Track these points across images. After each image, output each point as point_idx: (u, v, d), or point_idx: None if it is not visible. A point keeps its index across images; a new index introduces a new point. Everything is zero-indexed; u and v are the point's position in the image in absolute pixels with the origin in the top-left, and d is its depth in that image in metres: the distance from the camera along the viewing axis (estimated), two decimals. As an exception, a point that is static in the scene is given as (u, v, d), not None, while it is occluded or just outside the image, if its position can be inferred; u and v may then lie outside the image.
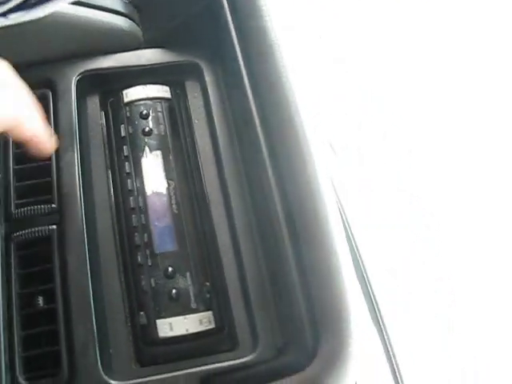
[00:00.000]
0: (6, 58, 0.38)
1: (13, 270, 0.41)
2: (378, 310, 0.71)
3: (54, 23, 0.45)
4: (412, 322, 1.80)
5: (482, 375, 1.67)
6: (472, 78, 2.27)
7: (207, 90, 0.49)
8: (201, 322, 0.41)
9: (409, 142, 2.16)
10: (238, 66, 0.45)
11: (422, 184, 2.08)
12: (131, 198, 0.44)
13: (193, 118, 0.48)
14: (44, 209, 0.43)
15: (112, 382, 0.39)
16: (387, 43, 2.38)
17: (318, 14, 2.40)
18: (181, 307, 0.41)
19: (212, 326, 0.42)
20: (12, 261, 0.41)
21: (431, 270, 1.92)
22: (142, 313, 0.41)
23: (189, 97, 0.49)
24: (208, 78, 0.49)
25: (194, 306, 0.42)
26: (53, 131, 0.46)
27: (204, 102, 0.49)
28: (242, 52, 0.45)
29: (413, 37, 2.38)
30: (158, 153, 0.46)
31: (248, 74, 0.44)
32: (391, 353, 0.69)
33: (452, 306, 1.83)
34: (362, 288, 0.73)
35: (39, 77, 0.48)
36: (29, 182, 0.44)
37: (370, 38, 2.39)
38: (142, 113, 0.47)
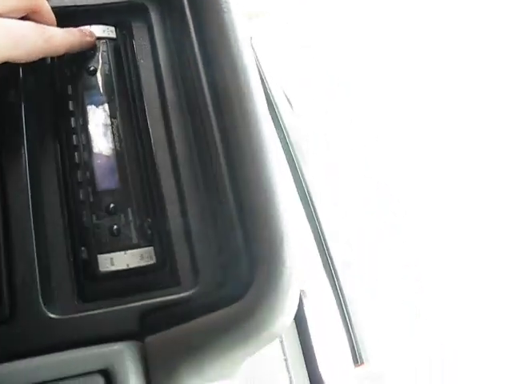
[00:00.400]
0: None
1: None
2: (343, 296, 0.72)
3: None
4: (379, 308, 1.83)
5: (448, 362, 1.71)
6: (436, 64, 2.28)
7: (153, 30, 0.48)
8: (142, 257, 0.42)
9: (376, 128, 2.18)
10: (183, 4, 0.45)
11: (388, 171, 2.09)
12: (74, 136, 0.44)
13: (138, 58, 0.48)
14: None
15: (53, 316, 0.39)
16: (354, 29, 2.37)
17: (284, 0, 2.38)
18: (122, 243, 0.42)
19: (153, 261, 0.42)
20: None
21: (398, 257, 1.95)
22: (83, 248, 0.42)
23: (135, 37, 0.49)
24: (154, 18, 0.49)
25: (135, 241, 0.42)
26: None
27: (150, 43, 0.49)
28: None
29: (380, 21, 2.38)
30: (103, 92, 0.46)
31: (191, 12, 0.44)
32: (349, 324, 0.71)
33: (419, 293, 1.87)
34: (328, 277, 0.74)
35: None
36: None
37: (337, 23, 2.38)
38: (86, 52, 0.47)
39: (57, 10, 0.46)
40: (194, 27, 0.44)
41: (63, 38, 0.44)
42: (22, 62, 0.41)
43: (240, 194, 0.38)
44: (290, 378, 0.67)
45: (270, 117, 0.41)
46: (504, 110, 2.15)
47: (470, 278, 1.88)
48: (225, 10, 0.42)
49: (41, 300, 0.39)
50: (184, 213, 0.43)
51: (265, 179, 0.38)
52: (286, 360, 0.64)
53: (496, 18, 2.33)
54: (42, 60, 0.47)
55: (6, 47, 0.38)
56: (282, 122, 0.67)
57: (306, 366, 0.70)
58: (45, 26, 0.42)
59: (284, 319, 0.37)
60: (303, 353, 0.70)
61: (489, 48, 2.28)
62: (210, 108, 0.41)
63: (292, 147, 0.65)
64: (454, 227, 1.97)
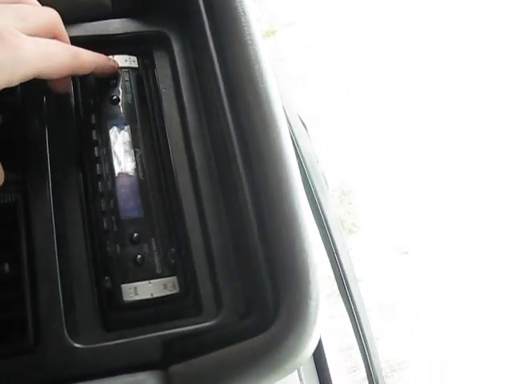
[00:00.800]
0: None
1: None
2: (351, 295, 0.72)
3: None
4: (379, 309, 1.83)
5: (448, 362, 1.71)
6: (435, 64, 2.29)
7: (175, 59, 0.49)
8: (165, 287, 0.42)
9: (375, 128, 2.18)
10: (205, 35, 0.45)
11: (388, 170, 2.10)
12: (97, 166, 0.44)
13: (160, 87, 0.49)
14: (10, 176, 0.43)
15: (77, 345, 0.39)
16: (354, 29, 2.39)
17: (285, 2, 2.40)
18: (145, 272, 0.42)
19: (176, 290, 0.42)
20: None
21: (398, 257, 1.95)
22: (107, 277, 0.42)
23: (157, 66, 0.49)
24: (176, 48, 0.49)
25: (158, 271, 0.42)
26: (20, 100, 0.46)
27: (172, 72, 0.49)
28: (209, 21, 0.45)
29: (380, 22, 2.40)
30: (126, 121, 0.46)
31: (215, 43, 0.45)
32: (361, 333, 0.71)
33: (419, 293, 1.87)
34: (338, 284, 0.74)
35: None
36: None
37: (338, 23, 2.39)
38: (109, 82, 0.47)
39: (79, 40, 0.47)
40: (217, 58, 0.44)
41: (89, 57, 0.45)
42: (51, 77, 0.42)
43: (265, 225, 0.39)
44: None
45: (292, 146, 0.41)
46: (504, 111, 2.15)
47: (470, 278, 1.87)
48: (249, 42, 0.42)
49: (65, 330, 0.39)
50: (207, 242, 0.43)
51: (291, 211, 0.38)
52: (302, 385, 0.63)
53: (496, 18, 2.34)
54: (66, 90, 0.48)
55: (36, 62, 0.39)
56: (298, 146, 0.67)
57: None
58: (71, 45, 0.44)
59: (308, 351, 0.37)
60: (318, 377, 0.70)
61: (488, 49, 2.29)
62: (234, 138, 0.42)
63: (308, 172, 0.66)
64: (454, 227, 1.96)
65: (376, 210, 1.97)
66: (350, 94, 2.22)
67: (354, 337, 0.74)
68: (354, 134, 2.16)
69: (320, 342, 0.73)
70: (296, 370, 0.65)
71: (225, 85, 0.43)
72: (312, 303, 0.36)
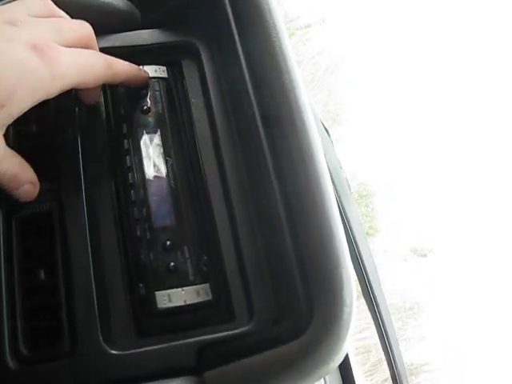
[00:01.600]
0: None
1: (14, 245, 0.42)
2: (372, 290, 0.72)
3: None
4: (396, 311, 1.82)
5: (450, 357, 1.70)
6: (439, 62, 2.28)
7: (203, 68, 0.49)
8: (198, 294, 0.42)
9: (378, 125, 2.18)
10: (234, 43, 0.46)
11: (392, 169, 2.10)
12: (130, 174, 0.45)
13: (190, 96, 0.49)
14: (45, 185, 0.44)
15: (112, 351, 0.40)
16: (357, 22, 2.38)
17: (302, 4, 2.40)
18: (179, 279, 0.43)
19: (209, 297, 0.43)
20: (14, 237, 0.42)
21: (401, 253, 1.95)
22: (141, 285, 0.42)
23: (185, 76, 0.50)
24: (204, 57, 0.50)
25: (191, 278, 0.43)
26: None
27: (200, 81, 0.50)
28: (237, 30, 0.46)
29: (381, 14, 2.39)
30: (156, 130, 0.47)
31: (243, 51, 0.45)
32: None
33: (437, 296, 1.86)
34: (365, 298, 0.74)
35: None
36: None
37: (339, 15, 2.39)
38: (139, 92, 0.48)
39: (109, 51, 0.47)
40: (246, 64, 0.45)
41: (122, 67, 0.46)
42: (86, 87, 0.43)
43: (297, 231, 0.39)
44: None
45: (322, 149, 0.42)
46: (506, 107, 2.14)
47: (472, 274, 1.87)
48: (277, 49, 0.43)
49: (100, 336, 0.40)
50: (238, 249, 0.44)
51: (323, 217, 0.38)
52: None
53: (497, 16, 2.33)
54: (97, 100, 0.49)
55: (74, 74, 0.40)
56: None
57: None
58: (105, 55, 0.45)
59: (340, 357, 0.38)
60: (341, 377, 0.70)
61: (488, 47, 2.28)
62: (265, 145, 0.42)
63: (331, 177, 0.66)
64: (458, 223, 1.96)
65: (394, 213, 1.98)
66: (353, 88, 2.22)
67: (371, 340, 0.74)
68: (356, 130, 2.16)
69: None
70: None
71: (254, 92, 0.43)
72: (346, 309, 0.36)
